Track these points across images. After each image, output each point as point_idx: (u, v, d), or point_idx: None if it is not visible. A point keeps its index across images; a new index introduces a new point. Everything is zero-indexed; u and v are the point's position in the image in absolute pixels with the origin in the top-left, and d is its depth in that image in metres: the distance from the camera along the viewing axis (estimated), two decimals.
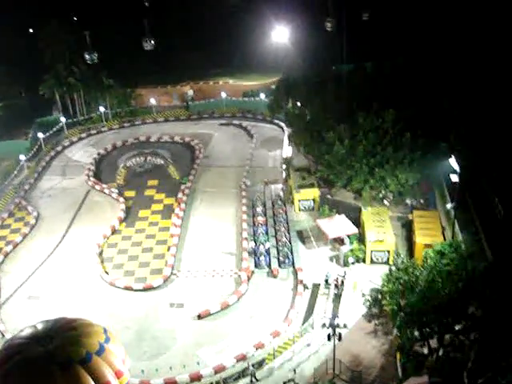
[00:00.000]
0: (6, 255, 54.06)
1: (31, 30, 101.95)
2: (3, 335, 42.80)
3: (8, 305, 47.54)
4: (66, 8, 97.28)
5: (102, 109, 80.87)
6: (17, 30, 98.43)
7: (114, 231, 56.08)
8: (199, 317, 43.23)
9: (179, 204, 58.92)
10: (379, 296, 41.53)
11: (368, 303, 41.35)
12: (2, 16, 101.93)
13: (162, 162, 68.28)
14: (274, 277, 46.89)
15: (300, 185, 55.87)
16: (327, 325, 34.44)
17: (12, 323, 44.41)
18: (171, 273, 48.82)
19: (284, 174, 61.55)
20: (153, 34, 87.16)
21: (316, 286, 44.86)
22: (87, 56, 78.41)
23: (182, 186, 62.38)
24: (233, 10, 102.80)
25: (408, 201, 53.47)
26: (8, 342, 23.27)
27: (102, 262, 51.64)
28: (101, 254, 52.79)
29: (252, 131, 75.44)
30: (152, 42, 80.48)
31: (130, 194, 62.87)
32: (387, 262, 46.10)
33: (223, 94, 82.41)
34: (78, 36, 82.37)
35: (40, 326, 21.67)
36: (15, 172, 68.52)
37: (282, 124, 74.38)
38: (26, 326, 22.42)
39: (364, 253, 47.22)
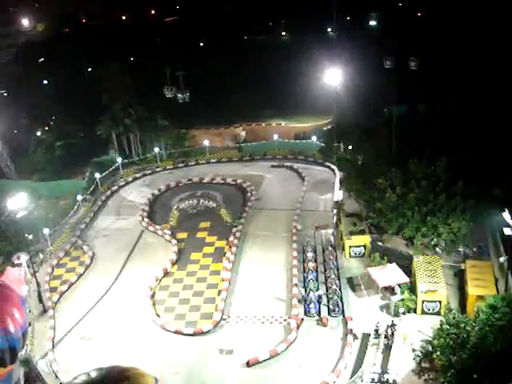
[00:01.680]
0: (62, 295, 55.50)
1: (90, 69, 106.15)
2: (56, 376, 43.87)
3: (61, 344, 48.65)
4: (124, 50, 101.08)
5: (156, 149, 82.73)
6: (76, 70, 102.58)
7: (166, 273, 56.84)
8: (248, 364, 43.39)
9: (230, 247, 59.30)
10: (430, 348, 41.03)
11: (418, 358, 40.81)
12: (64, 56, 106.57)
13: (214, 205, 69.12)
14: (324, 325, 46.60)
15: (351, 231, 55.81)
16: (376, 380, 34.17)
17: (65, 363, 45.57)
18: (221, 318, 49.14)
19: (335, 219, 61.47)
20: (206, 75, 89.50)
21: (366, 336, 44.53)
22: (180, 95, 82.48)
23: (234, 229, 62.76)
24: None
25: (461, 249, 52.87)
26: None
27: (154, 304, 52.36)
28: (153, 296, 53.58)
29: (303, 173, 75.54)
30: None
31: (183, 235, 63.65)
32: (439, 313, 45.54)
33: (275, 136, 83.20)
34: (136, 77, 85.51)
35: (94, 374, 22.19)
36: (72, 211, 70.42)
37: (334, 166, 74.47)
38: (80, 373, 23.04)
39: (415, 303, 46.69)
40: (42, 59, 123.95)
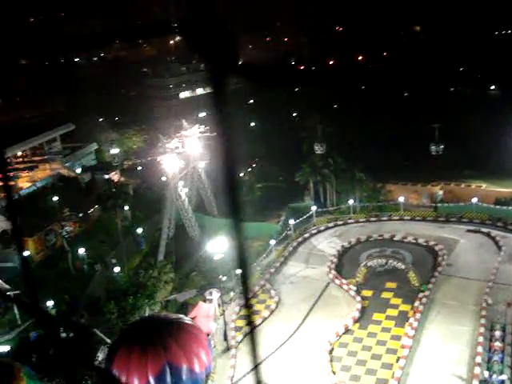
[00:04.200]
0: (246, 335, 58.02)
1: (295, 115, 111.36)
2: None
3: None
4: (326, 101, 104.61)
5: (351, 201, 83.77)
6: (282, 115, 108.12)
7: (347, 330, 57.11)
8: None
9: (415, 313, 57.94)
10: None
11: None
12: (270, 100, 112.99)
13: (403, 266, 67.94)
14: None
15: None
16: None
17: None
18: None
19: None
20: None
21: None
22: (433, 147, 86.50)
23: (420, 294, 61.18)
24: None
25: None
26: None
27: (331, 360, 52.96)
28: (331, 351, 54.20)
29: (501, 242, 71.45)
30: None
31: (367, 293, 63.48)
32: None
33: (474, 199, 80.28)
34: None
35: None
36: (264, 254, 73.57)
37: None
38: None
39: None
40: (251, 101, 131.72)
